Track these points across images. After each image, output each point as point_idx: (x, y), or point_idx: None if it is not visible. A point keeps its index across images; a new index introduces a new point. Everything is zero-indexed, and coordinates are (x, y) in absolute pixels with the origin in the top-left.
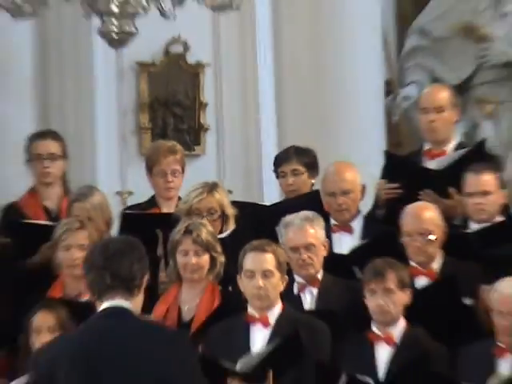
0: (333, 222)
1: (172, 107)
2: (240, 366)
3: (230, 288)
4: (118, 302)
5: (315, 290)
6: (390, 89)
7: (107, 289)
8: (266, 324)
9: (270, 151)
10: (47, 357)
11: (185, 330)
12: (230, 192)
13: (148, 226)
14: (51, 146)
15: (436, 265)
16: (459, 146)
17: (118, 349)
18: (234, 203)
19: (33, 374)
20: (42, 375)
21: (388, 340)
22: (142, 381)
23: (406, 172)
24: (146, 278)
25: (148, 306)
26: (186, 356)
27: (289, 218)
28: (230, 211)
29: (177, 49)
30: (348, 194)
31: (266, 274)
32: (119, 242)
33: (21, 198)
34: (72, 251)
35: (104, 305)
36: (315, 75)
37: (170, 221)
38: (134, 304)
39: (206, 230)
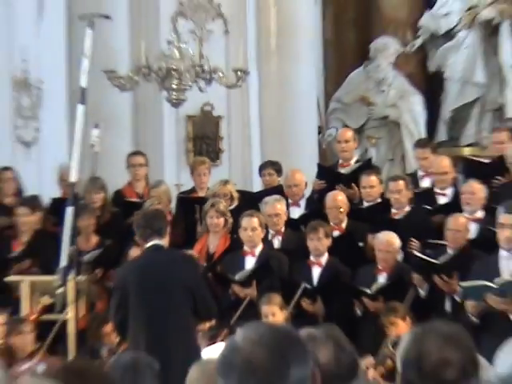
0: (290, 201)
1: (204, 139)
2: (238, 277)
3: (235, 236)
4: (154, 242)
5: (280, 238)
6: (321, 130)
7: (149, 236)
8: (253, 255)
9: (256, 163)
10: (121, 272)
11: (208, 259)
12: (235, 184)
13: (191, 203)
14: (140, 159)
15: (344, 224)
16: (357, 161)
17: (159, 267)
18: (237, 191)
19: (115, 282)
20: (119, 281)
21: (319, 264)
22: (174, 284)
23: (329, 175)
24: (168, 229)
25: (191, 246)
26: (195, 269)
27: (266, 198)
28: (235, 195)
29: (207, 108)
30: (298, 186)
31: (253, 229)
32: (151, 211)
33: (123, 187)
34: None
35: (148, 244)
36: (281, 123)
37: (202, 200)
38: (164, 242)
39: (222, 205)
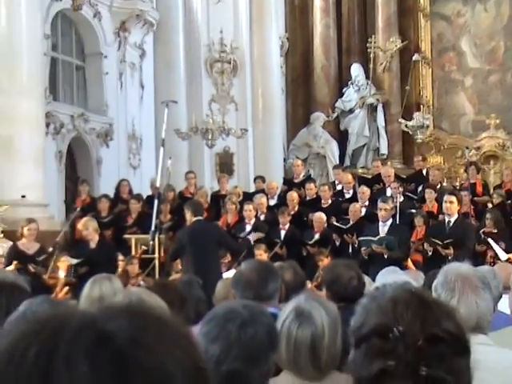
0: (269, 196)
1: (225, 164)
2: (242, 234)
3: (241, 214)
4: (198, 218)
5: (264, 215)
6: (285, 160)
7: (195, 214)
8: (250, 224)
9: (252, 176)
10: (181, 232)
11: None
12: (241, 188)
13: (218, 197)
14: (191, 175)
15: (296, 208)
16: (303, 176)
17: (202, 229)
18: (242, 192)
19: (177, 237)
20: (180, 237)
21: (284, 229)
22: (208, 238)
23: (288, 183)
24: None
25: (218, 219)
26: (220, 230)
27: (257, 195)
28: (241, 193)
29: (226, 148)
30: (273, 188)
31: (250, 210)
32: (197, 201)
33: (183, 189)
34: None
35: (194, 219)
36: (264, 156)
37: (224, 196)
38: (203, 217)
39: (234, 198)
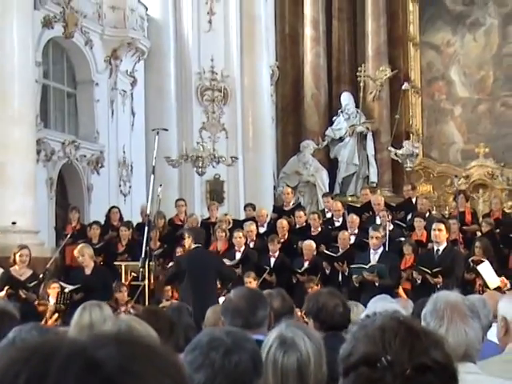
0: (259, 223)
1: (215, 192)
2: (231, 263)
3: (231, 242)
4: (198, 245)
5: (253, 243)
6: (275, 187)
7: (196, 241)
8: (240, 252)
9: (242, 204)
10: (181, 257)
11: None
12: (230, 215)
13: (208, 225)
14: (182, 202)
15: (286, 236)
16: (293, 204)
17: (200, 257)
18: (232, 219)
19: (175, 262)
20: (178, 262)
21: (274, 256)
22: (212, 269)
23: (278, 211)
24: (205, 238)
25: (207, 246)
26: (219, 259)
27: (246, 222)
28: (231, 221)
29: (217, 176)
30: (263, 216)
31: (239, 238)
32: (198, 228)
33: (173, 216)
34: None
35: (194, 246)
36: (255, 184)
37: (214, 223)
38: (202, 245)
39: (224, 226)
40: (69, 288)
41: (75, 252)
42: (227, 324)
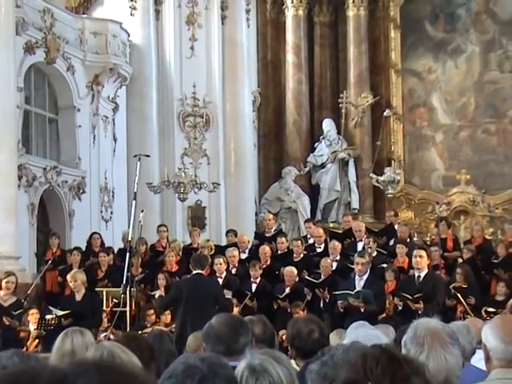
0: (240, 249)
1: (196, 218)
2: None
3: (212, 268)
4: (199, 271)
5: (235, 269)
6: (257, 214)
7: (194, 268)
8: (221, 278)
9: (224, 230)
10: (177, 284)
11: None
12: (212, 241)
13: (190, 250)
14: (163, 228)
15: (268, 262)
16: (275, 230)
17: (200, 283)
18: (214, 245)
19: (173, 287)
20: (176, 288)
21: (255, 282)
22: (209, 295)
23: (260, 237)
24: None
25: (189, 272)
26: (218, 286)
27: (228, 248)
28: (213, 247)
29: (198, 202)
30: (245, 242)
31: (221, 264)
32: (198, 255)
33: (155, 242)
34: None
35: (194, 271)
36: (236, 210)
37: (196, 249)
38: (204, 272)
39: (206, 252)
40: (58, 313)
41: (68, 277)
42: (209, 350)
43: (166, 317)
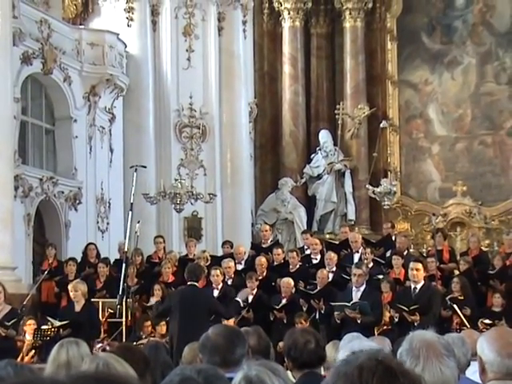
0: (236, 260)
1: (192, 229)
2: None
3: (209, 279)
4: (193, 283)
5: (231, 280)
6: (253, 224)
7: (189, 280)
8: (217, 289)
9: (220, 241)
10: (171, 295)
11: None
12: (208, 252)
13: (186, 261)
14: (160, 239)
15: (264, 274)
16: (271, 241)
17: (193, 294)
18: (210, 255)
19: (167, 298)
20: (170, 299)
21: (252, 294)
22: (202, 307)
23: (256, 248)
24: (204, 276)
25: (184, 283)
26: (211, 297)
27: (224, 259)
28: (209, 258)
29: (195, 213)
30: (241, 253)
31: (217, 275)
32: (194, 265)
33: (152, 253)
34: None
35: (189, 282)
36: (233, 221)
37: (192, 260)
38: (198, 284)
39: (202, 263)
40: (56, 323)
41: (69, 287)
42: (205, 361)
43: (162, 328)
